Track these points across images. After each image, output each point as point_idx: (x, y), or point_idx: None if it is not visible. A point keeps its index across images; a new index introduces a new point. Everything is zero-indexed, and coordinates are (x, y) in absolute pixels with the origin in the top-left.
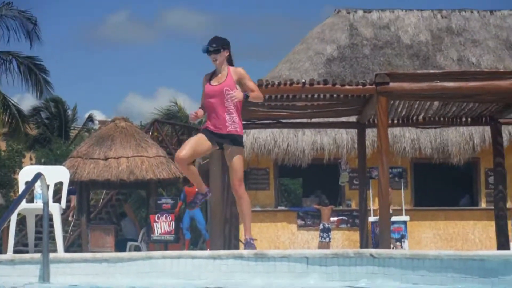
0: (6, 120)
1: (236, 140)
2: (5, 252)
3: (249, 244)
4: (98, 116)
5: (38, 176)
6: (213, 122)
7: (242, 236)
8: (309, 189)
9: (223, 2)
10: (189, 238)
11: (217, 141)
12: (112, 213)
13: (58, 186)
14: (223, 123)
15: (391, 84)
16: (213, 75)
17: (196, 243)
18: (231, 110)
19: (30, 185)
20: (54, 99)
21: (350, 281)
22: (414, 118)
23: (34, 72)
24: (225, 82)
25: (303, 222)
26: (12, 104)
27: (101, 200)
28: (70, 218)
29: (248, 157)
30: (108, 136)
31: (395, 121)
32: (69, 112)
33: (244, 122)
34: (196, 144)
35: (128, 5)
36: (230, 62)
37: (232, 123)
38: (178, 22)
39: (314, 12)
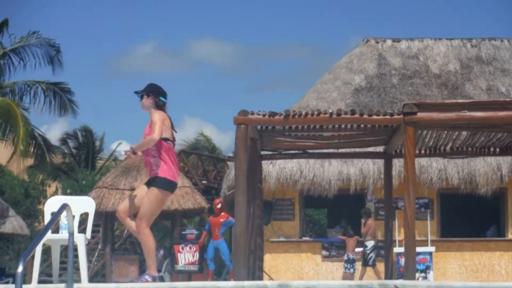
0: (32, 151)
1: (154, 182)
2: (30, 282)
3: (141, 278)
4: (125, 146)
5: (64, 206)
6: (147, 167)
7: (266, 267)
8: (334, 219)
9: (250, 32)
10: (213, 269)
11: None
12: (137, 244)
13: (83, 217)
14: (149, 167)
15: (419, 114)
16: None
17: (220, 273)
18: (154, 154)
19: (56, 216)
20: (84, 128)
21: None
22: (442, 148)
23: (59, 94)
24: (146, 129)
25: (327, 253)
26: (39, 134)
27: (125, 231)
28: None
29: (273, 188)
30: (134, 166)
31: (422, 151)
32: (97, 143)
33: (270, 153)
34: (130, 199)
35: (156, 36)
36: (160, 108)
37: (156, 167)
38: (205, 52)
39: (340, 42)
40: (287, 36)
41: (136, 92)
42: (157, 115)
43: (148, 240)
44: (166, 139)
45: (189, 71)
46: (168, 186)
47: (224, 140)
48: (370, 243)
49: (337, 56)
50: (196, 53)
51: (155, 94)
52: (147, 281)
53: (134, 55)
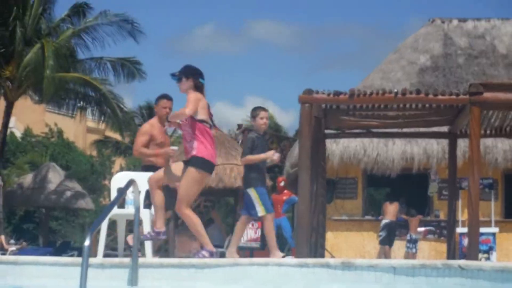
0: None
1: (190, 162)
2: (95, 256)
3: (198, 254)
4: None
5: (131, 182)
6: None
7: (328, 245)
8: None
9: (310, 12)
10: None
11: None
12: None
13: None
14: (186, 152)
15: (485, 94)
16: None
17: (281, 251)
18: (188, 138)
19: (123, 191)
20: (149, 105)
21: None
22: (508, 128)
23: (126, 66)
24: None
25: None
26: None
27: None
28: None
29: (337, 166)
30: None
31: (488, 132)
32: None
33: (334, 131)
34: (166, 171)
35: (214, 17)
36: (199, 90)
37: (191, 148)
38: (265, 33)
39: (400, 23)
40: (347, 17)
41: (172, 75)
42: (194, 95)
43: (191, 220)
44: (202, 121)
45: (249, 51)
46: (205, 166)
47: (286, 119)
48: (382, 222)
49: (399, 36)
50: (256, 33)
51: (195, 75)
52: (204, 256)
53: (193, 36)
